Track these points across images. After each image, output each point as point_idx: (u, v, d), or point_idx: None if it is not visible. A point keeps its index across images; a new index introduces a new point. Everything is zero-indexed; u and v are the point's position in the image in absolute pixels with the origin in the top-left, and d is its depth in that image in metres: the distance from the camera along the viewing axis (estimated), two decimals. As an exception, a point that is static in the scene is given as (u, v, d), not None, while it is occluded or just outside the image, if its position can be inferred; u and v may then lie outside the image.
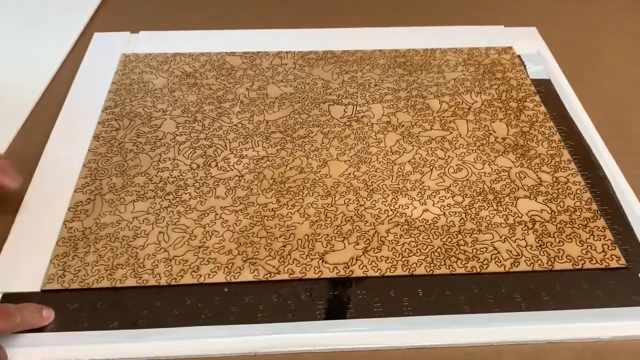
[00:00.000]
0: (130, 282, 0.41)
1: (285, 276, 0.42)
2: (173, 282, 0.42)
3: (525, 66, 0.63)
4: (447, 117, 0.56)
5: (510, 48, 0.65)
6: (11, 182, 0.46)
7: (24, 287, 0.41)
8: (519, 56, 0.64)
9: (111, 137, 0.53)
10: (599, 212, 0.47)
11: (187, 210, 0.47)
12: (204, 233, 0.45)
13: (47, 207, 0.47)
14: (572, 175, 0.51)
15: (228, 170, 0.50)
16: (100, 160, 0.51)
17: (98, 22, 0.70)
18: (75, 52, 0.65)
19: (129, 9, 0.73)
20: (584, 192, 0.49)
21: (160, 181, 0.49)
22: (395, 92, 0.59)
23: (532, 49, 0.66)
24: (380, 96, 0.59)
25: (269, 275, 0.42)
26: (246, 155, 0.52)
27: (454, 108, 0.57)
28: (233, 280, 0.42)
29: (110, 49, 0.64)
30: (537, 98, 0.59)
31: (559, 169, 0.51)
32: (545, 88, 0.60)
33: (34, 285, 0.41)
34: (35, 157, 0.51)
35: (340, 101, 0.58)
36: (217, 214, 0.47)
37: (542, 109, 0.57)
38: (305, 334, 0.39)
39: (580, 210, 0.47)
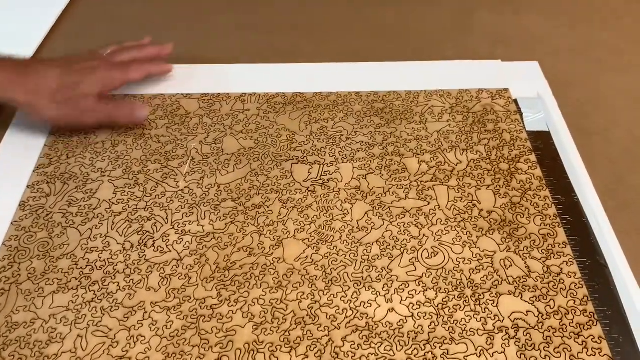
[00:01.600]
0: None
1: (217, 400, 0.36)
2: (84, 407, 0.36)
3: (522, 115, 0.55)
4: (426, 182, 0.49)
5: (506, 91, 0.57)
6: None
7: None
8: (515, 101, 0.56)
9: (39, 206, 0.47)
10: (595, 316, 0.40)
11: (112, 307, 0.40)
12: (128, 338, 0.39)
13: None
14: (567, 263, 0.43)
15: (165, 252, 0.44)
16: (23, 237, 0.45)
17: (46, 51, 0.63)
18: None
19: (81, 36, 0.66)
20: (579, 288, 0.42)
21: (86, 266, 0.43)
22: (370, 147, 0.52)
23: (531, 91, 0.58)
24: (352, 153, 0.51)
25: None
26: (189, 232, 0.45)
27: (434, 170, 0.50)
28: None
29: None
30: (533, 158, 0.51)
31: (552, 255, 0.44)
32: (543, 143, 0.52)
33: None
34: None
35: (305, 159, 0.51)
36: (146, 312, 0.40)
37: (538, 172, 0.50)
38: None
39: (573, 312, 0.40)
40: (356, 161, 0.51)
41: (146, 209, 0.47)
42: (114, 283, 0.42)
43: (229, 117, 0.55)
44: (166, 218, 0.46)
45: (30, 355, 0.38)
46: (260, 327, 0.39)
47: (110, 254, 0.43)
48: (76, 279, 0.42)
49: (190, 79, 0.59)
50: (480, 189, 0.48)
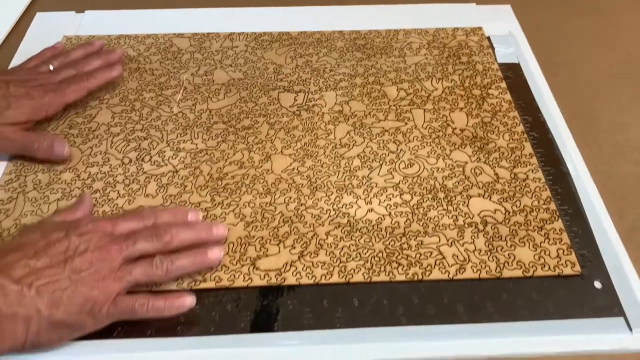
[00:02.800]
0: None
1: (212, 284, 0.39)
2: (90, 291, 0.39)
3: (493, 49, 0.59)
4: (404, 106, 0.52)
5: (480, 29, 0.61)
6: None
7: None
8: (488, 38, 0.60)
9: (42, 129, 0.50)
10: (557, 213, 0.44)
11: (112, 210, 0.44)
12: (129, 235, 0.42)
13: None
14: (533, 170, 0.47)
15: (162, 165, 0.47)
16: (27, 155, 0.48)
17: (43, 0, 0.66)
18: (17, 32, 0.61)
19: None
20: (543, 190, 0.45)
21: (88, 177, 0.46)
22: (352, 78, 0.55)
23: (503, 29, 0.61)
24: (335, 83, 0.55)
25: (193, 283, 0.39)
26: (183, 149, 0.48)
27: (412, 96, 0.53)
28: (154, 289, 0.39)
29: (52, 30, 0.60)
30: (503, 85, 0.55)
31: (519, 164, 0.47)
32: (513, 73, 0.56)
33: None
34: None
35: (291, 88, 0.54)
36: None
37: (508, 96, 0.53)
38: (226, 349, 0.36)
39: (537, 210, 0.44)
40: (339, 89, 0.54)
41: (142, 130, 0.50)
42: (114, 191, 0.45)
43: (218, 53, 0.58)
44: (162, 137, 0.49)
45: (39, 251, 0.41)
46: (251, 225, 0.43)
47: (109, 167, 0.47)
48: (79, 188, 0.45)
49: (181, 21, 0.62)
50: (454, 111, 0.52)
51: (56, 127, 0.50)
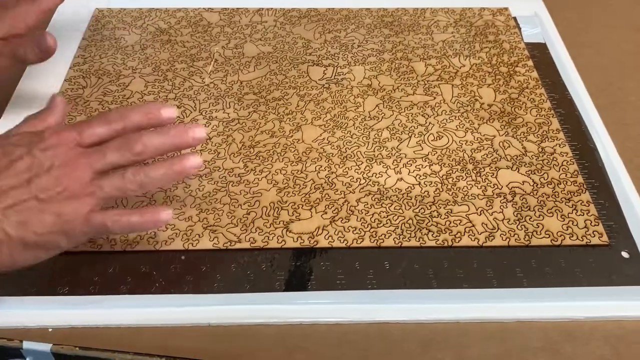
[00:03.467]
0: (84, 246, 0.39)
1: (247, 245, 0.40)
2: (128, 248, 0.40)
3: (520, 29, 0.59)
4: (432, 81, 0.53)
5: (506, 9, 0.61)
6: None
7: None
8: (514, 18, 0.61)
9: (77, 95, 0.51)
10: (584, 186, 0.44)
11: (149, 174, 0.45)
12: (165, 198, 0.43)
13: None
14: (560, 145, 0.48)
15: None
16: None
17: None
18: (48, 6, 0.62)
19: None
20: (570, 164, 0.46)
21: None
22: (380, 53, 0.56)
23: (529, 10, 0.62)
24: (363, 58, 0.55)
25: (229, 243, 0.40)
26: (216, 117, 0.49)
27: (440, 72, 0.54)
28: (191, 248, 0.40)
29: (84, 3, 0.61)
30: (530, 63, 0.55)
31: (547, 139, 0.48)
32: (540, 52, 0.57)
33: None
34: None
35: (320, 62, 0.55)
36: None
37: (534, 74, 0.54)
38: (261, 305, 0.37)
39: (565, 183, 0.45)
40: (367, 64, 0.55)
41: (175, 99, 0.51)
42: (149, 156, 0.46)
43: (247, 27, 0.59)
44: (194, 106, 0.50)
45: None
46: (284, 191, 0.44)
47: (144, 133, 0.48)
48: (115, 153, 0.46)
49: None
50: (481, 87, 0.53)
51: (90, 94, 0.51)
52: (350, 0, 0.62)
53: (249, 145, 0.47)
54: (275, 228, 0.41)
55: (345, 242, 0.41)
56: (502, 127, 0.49)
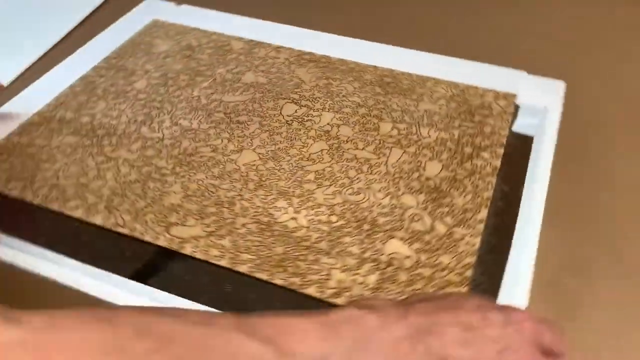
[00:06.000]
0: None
1: (126, 231, 0.45)
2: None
3: (516, 116, 0.56)
4: (388, 143, 0.53)
5: (513, 95, 0.59)
6: None
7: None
8: (516, 105, 0.58)
9: (92, 81, 0.61)
10: (469, 281, 0.41)
11: (98, 154, 0.52)
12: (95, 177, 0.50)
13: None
14: (473, 235, 0.45)
15: (155, 132, 0.54)
16: (70, 94, 0.59)
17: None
18: (124, 9, 0.74)
19: None
20: (468, 255, 0.43)
21: (99, 127, 0.55)
22: (357, 107, 0.57)
23: (540, 101, 0.58)
24: (339, 107, 0.58)
25: (114, 224, 0.46)
26: (180, 124, 0.55)
27: (402, 137, 0.54)
28: (88, 219, 0.46)
29: (149, 12, 0.73)
30: (500, 151, 0.52)
31: (463, 225, 0.46)
32: (521, 144, 0.53)
33: None
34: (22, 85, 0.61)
35: (298, 101, 0.58)
36: (119, 163, 0.51)
37: (496, 162, 0.51)
38: (92, 279, 0.42)
39: (450, 270, 0.42)
40: (339, 113, 0.57)
41: (161, 102, 0.58)
42: (108, 139, 0.54)
43: (260, 59, 0.64)
44: (169, 111, 0.57)
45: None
46: (188, 198, 0.48)
47: (117, 122, 0.56)
48: (89, 132, 0.55)
49: (248, 29, 0.70)
50: (432, 161, 0.51)
51: (102, 82, 0.61)
52: (364, 55, 0.64)
53: (189, 153, 0.52)
54: (159, 225, 0.45)
55: (206, 256, 0.43)
56: (425, 202, 0.48)
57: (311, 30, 0.70)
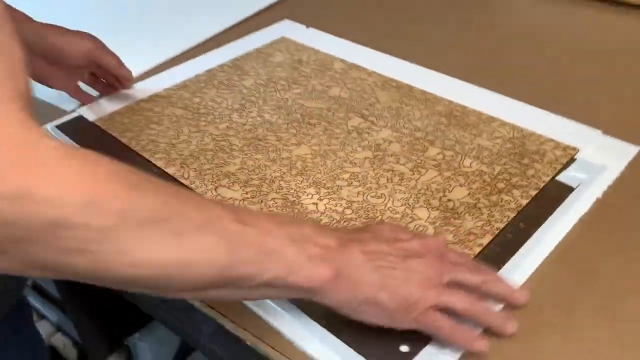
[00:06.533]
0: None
1: (187, 182, 0.56)
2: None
3: (566, 167, 0.57)
4: (428, 164, 0.58)
5: (574, 149, 0.59)
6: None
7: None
8: (573, 158, 0.58)
9: (214, 74, 0.75)
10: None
11: (193, 126, 0.65)
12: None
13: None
14: (468, 251, 0.47)
15: (241, 119, 0.66)
16: (194, 81, 0.73)
17: (290, 10, 0.92)
18: (260, 24, 0.88)
19: (319, 10, 0.93)
20: (452, 269, 0.46)
21: (203, 107, 0.68)
22: (415, 130, 0.63)
23: (600, 159, 0.57)
24: (399, 128, 0.63)
25: (171, 165, 0.57)
26: (262, 116, 0.66)
27: (443, 162, 0.58)
28: (160, 165, 0.58)
29: (282, 30, 0.86)
30: (532, 193, 0.54)
31: (460, 244, 0.48)
32: (559, 192, 0.54)
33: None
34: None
35: (366, 117, 0.65)
36: (205, 135, 0.63)
37: (523, 201, 0.53)
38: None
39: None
40: (396, 132, 0.63)
41: (254, 97, 0.70)
42: (206, 120, 0.66)
43: (351, 79, 0.73)
44: (256, 104, 0.68)
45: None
46: (242, 168, 0.58)
47: (218, 107, 0.68)
48: (193, 113, 0.68)
49: (357, 55, 0.79)
50: (462, 187, 0.55)
51: (196, 90, 0.74)
52: (444, 90, 0.69)
53: (259, 138, 0.62)
54: (211, 184, 0.56)
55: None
56: (436, 218, 0.51)
57: (406, 62, 0.76)
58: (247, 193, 0.55)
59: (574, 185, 0.55)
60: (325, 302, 0.39)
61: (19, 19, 0.62)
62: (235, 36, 0.85)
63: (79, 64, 0.65)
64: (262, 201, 0.54)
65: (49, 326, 0.99)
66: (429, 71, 0.74)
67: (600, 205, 0.53)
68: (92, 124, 0.66)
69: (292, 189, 0.55)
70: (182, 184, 0.57)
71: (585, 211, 0.52)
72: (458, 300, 0.40)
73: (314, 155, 0.60)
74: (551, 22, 0.88)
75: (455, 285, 0.41)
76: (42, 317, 1.00)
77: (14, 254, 0.28)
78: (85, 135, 0.65)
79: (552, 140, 0.61)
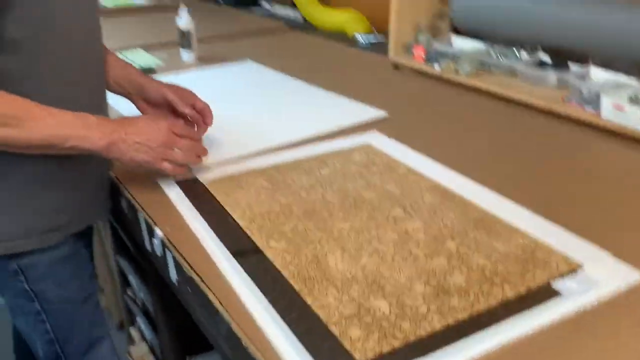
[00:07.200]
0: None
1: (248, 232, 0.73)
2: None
3: (566, 277, 0.63)
4: (442, 254, 0.68)
5: (577, 264, 0.65)
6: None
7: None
8: (574, 271, 0.64)
9: (281, 167, 0.93)
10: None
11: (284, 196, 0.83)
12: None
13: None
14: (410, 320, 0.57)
15: (308, 196, 0.82)
16: (263, 169, 0.92)
17: (383, 124, 1.09)
18: (355, 131, 1.06)
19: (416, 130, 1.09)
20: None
21: (277, 185, 0.87)
22: (443, 227, 0.74)
23: (599, 276, 0.63)
24: (430, 222, 0.75)
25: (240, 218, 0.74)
26: (324, 196, 0.82)
27: (455, 254, 0.68)
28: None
29: (367, 138, 1.03)
30: (521, 289, 0.61)
31: (438, 313, 0.58)
32: (547, 295, 0.61)
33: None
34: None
35: (407, 209, 0.78)
36: (276, 206, 0.80)
37: (510, 294, 0.60)
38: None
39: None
40: (426, 225, 0.74)
41: (334, 175, 0.86)
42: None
43: (409, 181, 0.87)
44: (325, 187, 0.84)
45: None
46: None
47: (298, 196, 0.86)
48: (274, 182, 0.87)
49: (424, 166, 0.93)
50: (462, 274, 0.64)
51: (277, 185, 0.93)
52: (490, 204, 0.80)
53: (316, 211, 0.78)
54: (268, 231, 0.72)
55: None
56: (428, 293, 0.61)
57: (459, 174, 0.88)
58: (287, 247, 0.70)
59: (563, 292, 0.62)
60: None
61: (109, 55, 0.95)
62: (330, 137, 1.04)
63: (157, 100, 0.95)
64: (295, 255, 0.69)
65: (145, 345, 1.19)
66: (477, 185, 0.85)
67: (580, 317, 0.59)
68: (200, 183, 0.88)
69: (323, 250, 0.69)
70: (245, 233, 0.74)
71: (559, 318, 0.59)
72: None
73: (351, 229, 0.74)
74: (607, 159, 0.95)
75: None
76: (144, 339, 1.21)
77: None
78: (192, 189, 0.86)
79: (561, 253, 0.68)
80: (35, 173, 0.78)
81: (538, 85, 1.19)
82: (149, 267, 1.01)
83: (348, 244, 0.71)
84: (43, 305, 0.84)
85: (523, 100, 1.16)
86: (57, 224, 0.81)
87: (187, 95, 0.95)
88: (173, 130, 0.82)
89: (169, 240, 0.74)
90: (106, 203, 0.92)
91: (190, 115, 0.94)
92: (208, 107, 0.95)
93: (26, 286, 0.82)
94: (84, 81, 0.82)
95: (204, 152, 0.87)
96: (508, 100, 1.20)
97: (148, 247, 0.83)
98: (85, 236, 0.90)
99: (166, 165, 0.81)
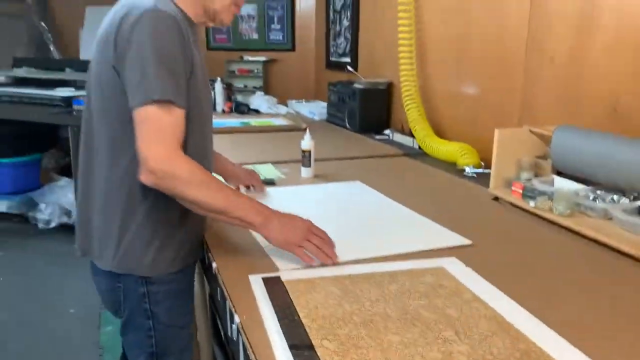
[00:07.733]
0: (291, 294, 0.94)
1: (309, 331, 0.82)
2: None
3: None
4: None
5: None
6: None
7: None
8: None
9: (354, 278, 1.02)
10: None
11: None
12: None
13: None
14: None
15: (372, 308, 0.90)
16: (338, 278, 1.02)
17: (460, 252, 1.13)
18: (431, 255, 1.13)
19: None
20: None
21: (346, 293, 0.95)
22: (488, 353, 0.77)
23: None
24: (476, 348, 0.78)
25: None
26: (385, 310, 0.89)
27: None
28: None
29: (442, 262, 1.09)
30: None
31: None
32: None
33: (285, 280, 1.01)
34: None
35: (459, 333, 0.82)
36: (340, 312, 0.89)
37: None
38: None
39: None
40: (472, 349, 0.78)
41: (363, 311, 0.93)
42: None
43: (470, 307, 0.90)
44: (362, 298, 0.92)
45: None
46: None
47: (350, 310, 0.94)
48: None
49: (489, 295, 0.96)
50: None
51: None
52: (547, 343, 0.81)
53: (373, 321, 0.85)
54: (325, 332, 0.81)
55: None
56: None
57: (520, 307, 0.90)
58: (338, 348, 0.78)
59: None
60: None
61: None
62: (409, 257, 1.12)
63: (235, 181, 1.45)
64: (343, 357, 0.76)
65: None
66: (541, 324, 0.87)
67: None
68: (282, 281, 1.00)
69: (368, 357, 0.76)
70: (305, 330, 0.83)
71: None
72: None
73: (400, 343, 0.80)
74: None
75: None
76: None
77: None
78: (274, 285, 0.98)
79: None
80: (182, 211, 1.09)
81: (634, 232, 1.17)
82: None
83: (393, 356, 0.77)
84: (155, 324, 1.12)
85: (614, 246, 1.15)
86: (181, 255, 1.13)
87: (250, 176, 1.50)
88: (311, 228, 1.08)
89: (242, 327, 0.86)
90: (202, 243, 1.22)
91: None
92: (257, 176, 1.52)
93: (147, 306, 1.10)
94: (208, 140, 1.20)
95: (331, 251, 1.07)
96: (598, 244, 1.19)
97: (228, 331, 0.96)
98: (190, 274, 1.20)
99: (300, 251, 1.05)
